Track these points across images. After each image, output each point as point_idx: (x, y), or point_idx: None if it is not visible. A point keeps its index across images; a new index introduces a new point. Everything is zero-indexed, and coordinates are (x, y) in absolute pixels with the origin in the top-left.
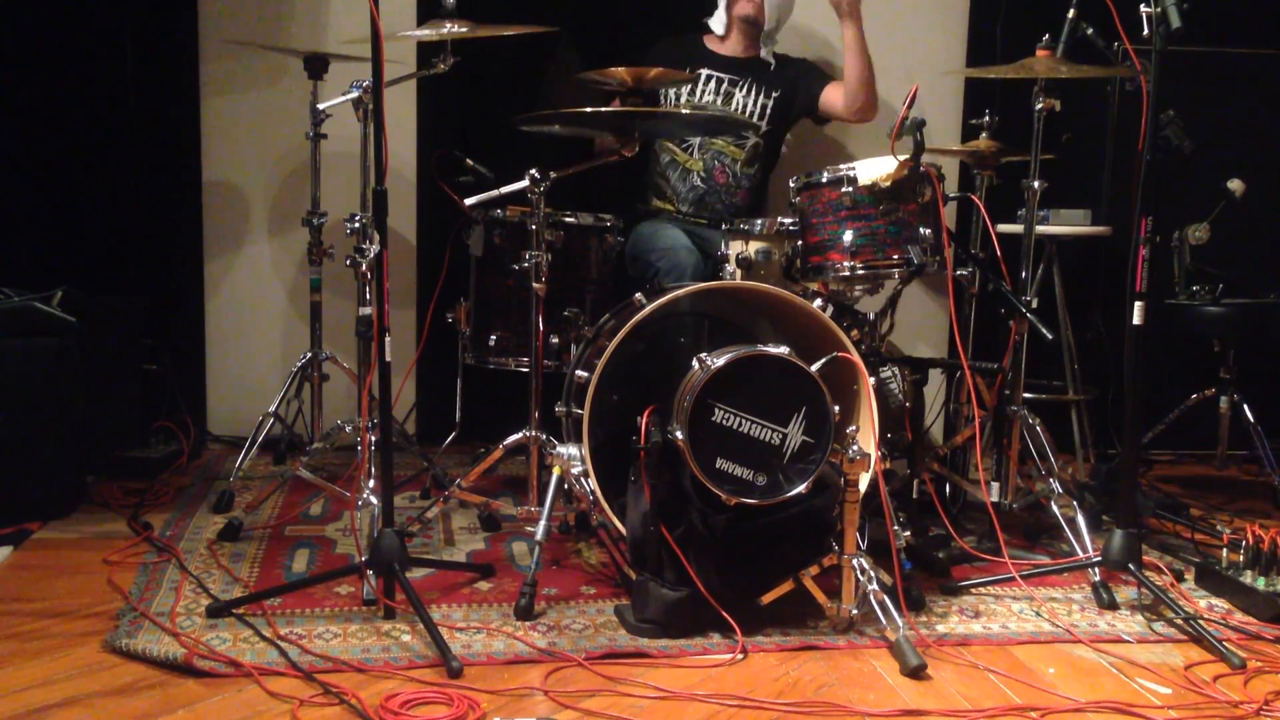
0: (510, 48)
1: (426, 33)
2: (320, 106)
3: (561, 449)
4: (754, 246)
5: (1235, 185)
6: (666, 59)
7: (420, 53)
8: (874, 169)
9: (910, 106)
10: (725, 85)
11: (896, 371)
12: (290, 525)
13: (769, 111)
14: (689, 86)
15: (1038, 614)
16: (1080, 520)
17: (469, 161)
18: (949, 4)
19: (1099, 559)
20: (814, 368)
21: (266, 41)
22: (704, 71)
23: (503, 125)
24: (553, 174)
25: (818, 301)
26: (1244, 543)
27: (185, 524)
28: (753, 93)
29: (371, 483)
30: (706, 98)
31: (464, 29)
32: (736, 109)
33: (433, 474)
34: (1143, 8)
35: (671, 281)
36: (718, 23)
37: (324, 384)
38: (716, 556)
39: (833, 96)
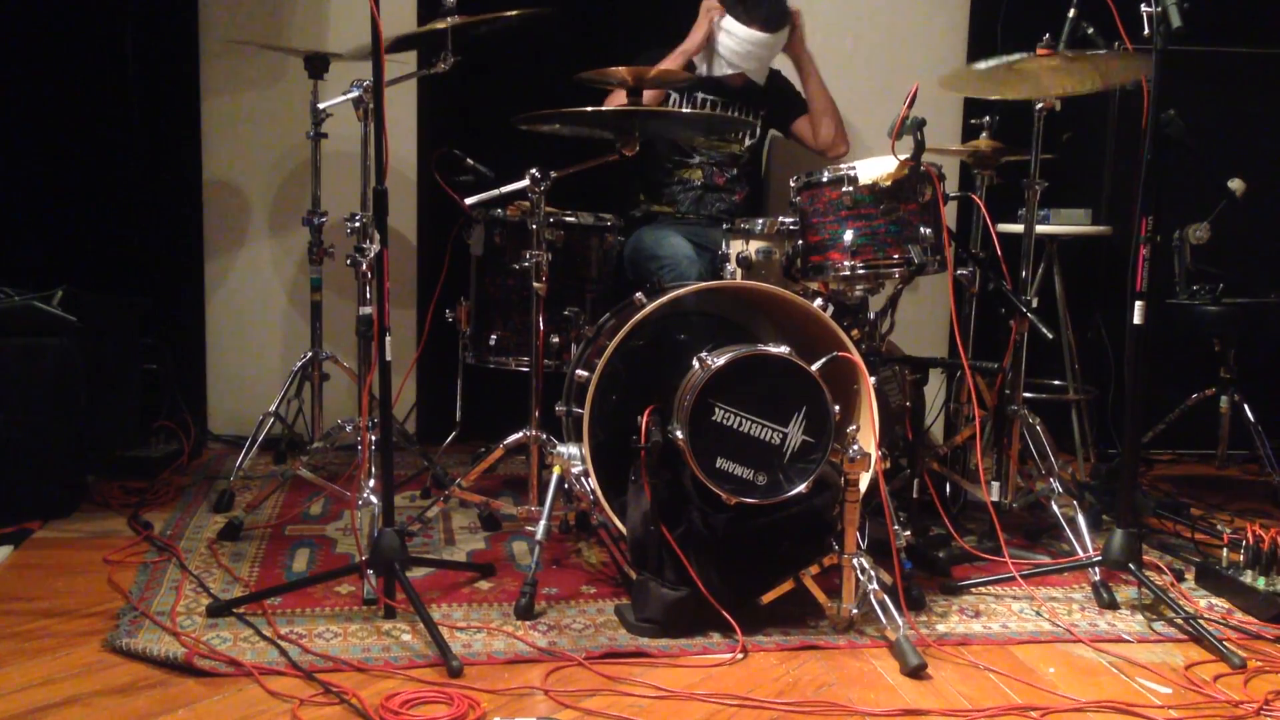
0: (511, 47)
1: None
2: (321, 106)
3: (562, 448)
4: (754, 246)
5: (1236, 185)
6: None
7: (420, 52)
8: (874, 168)
9: (911, 106)
10: (718, 110)
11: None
12: (290, 525)
13: (759, 126)
14: (687, 107)
15: (1038, 613)
16: (1080, 520)
17: (469, 161)
18: (950, 2)
19: (1099, 558)
20: (814, 367)
21: (267, 41)
22: (699, 96)
23: (503, 125)
24: (553, 173)
25: (818, 301)
26: (1244, 542)
27: (185, 523)
28: (742, 112)
29: (372, 482)
30: None
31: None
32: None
33: (433, 473)
34: (1143, 7)
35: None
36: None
37: (324, 383)
38: (717, 556)
39: (802, 128)
